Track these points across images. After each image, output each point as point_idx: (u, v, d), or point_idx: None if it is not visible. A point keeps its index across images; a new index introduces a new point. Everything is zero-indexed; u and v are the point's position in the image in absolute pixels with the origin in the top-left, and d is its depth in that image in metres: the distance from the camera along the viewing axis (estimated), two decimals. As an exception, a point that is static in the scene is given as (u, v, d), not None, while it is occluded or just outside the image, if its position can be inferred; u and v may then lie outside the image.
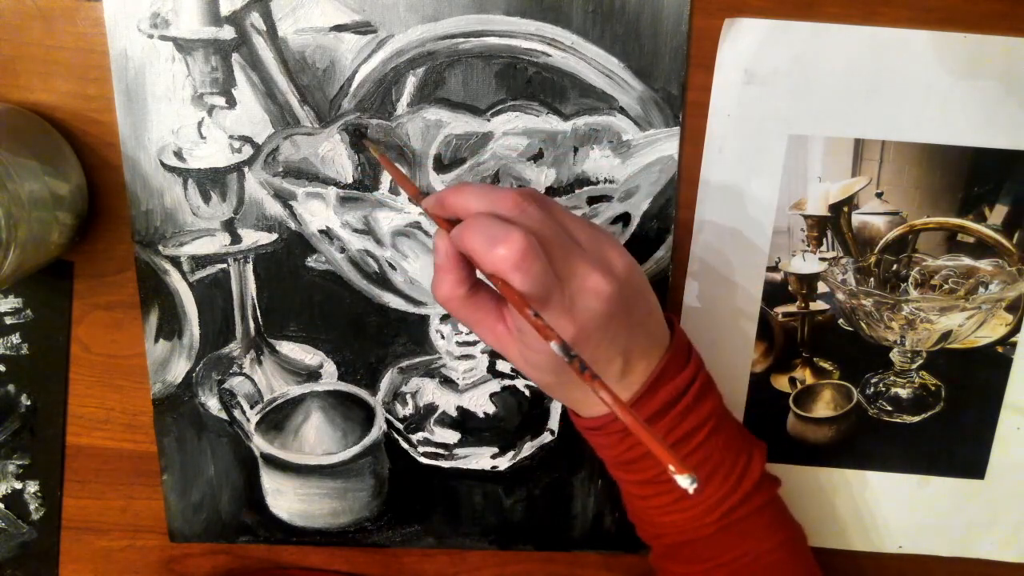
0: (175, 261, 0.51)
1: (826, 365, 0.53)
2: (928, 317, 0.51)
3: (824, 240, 0.50)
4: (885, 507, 0.56)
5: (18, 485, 0.55)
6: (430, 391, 0.54)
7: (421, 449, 0.55)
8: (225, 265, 0.51)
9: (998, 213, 0.49)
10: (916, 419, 0.54)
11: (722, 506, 0.43)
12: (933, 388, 0.53)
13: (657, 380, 0.41)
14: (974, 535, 0.56)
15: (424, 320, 0.52)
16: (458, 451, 0.54)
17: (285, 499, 0.55)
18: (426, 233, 0.49)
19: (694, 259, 0.51)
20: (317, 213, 0.49)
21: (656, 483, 0.43)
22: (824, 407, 0.54)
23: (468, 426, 0.54)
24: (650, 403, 0.41)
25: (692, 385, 0.42)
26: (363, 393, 0.54)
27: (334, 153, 0.48)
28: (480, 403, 0.54)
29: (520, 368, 0.42)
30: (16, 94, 0.48)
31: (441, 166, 0.48)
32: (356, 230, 0.49)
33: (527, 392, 0.54)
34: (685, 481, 0.29)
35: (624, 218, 0.49)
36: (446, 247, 0.39)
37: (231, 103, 0.48)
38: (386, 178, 0.49)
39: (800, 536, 0.48)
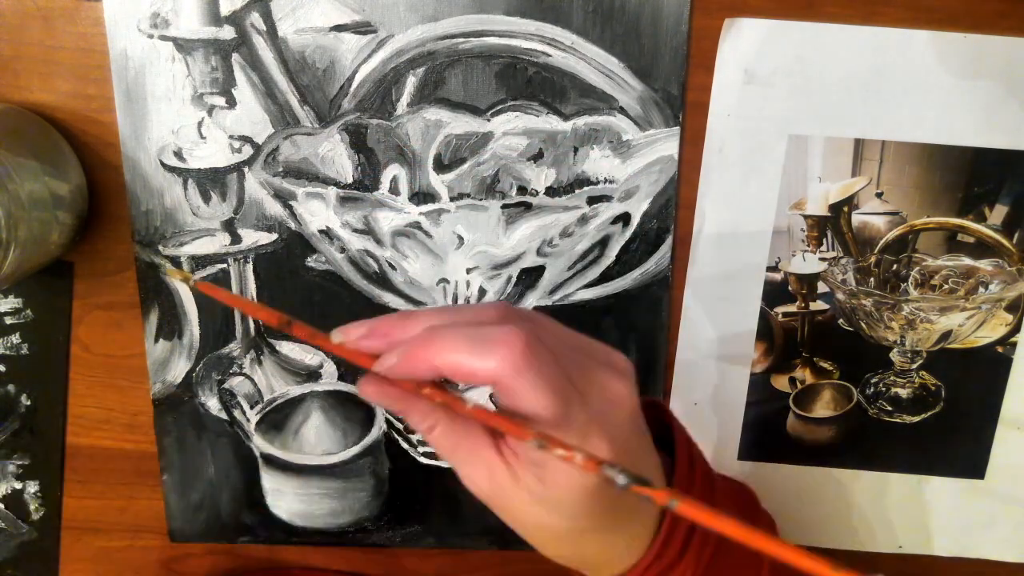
0: (175, 261, 0.51)
1: (826, 365, 0.53)
2: (928, 317, 0.51)
3: (824, 240, 0.50)
4: (885, 507, 0.56)
5: (18, 485, 0.55)
6: (430, 391, 0.54)
7: (421, 449, 0.55)
8: (225, 265, 0.51)
9: (998, 213, 0.49)
10: (916, 419, 0.54)
11: None
12: (933, 388, 0.53)
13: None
14: (974, 535, 0.56)
15: (424, 320, 0.52)
16: (458, 451, 0.54)
17: (285, 499, 0.55)
18: (426, 233, 0.49)
19: (694, 259, 0.51)
20: (317, 213, 0.49)
21: None
22: (824, 407, 0.54)
23: (468, 426, 0.54)
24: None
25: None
26: (363, 393, 0.54)
27: (334, 153, 0.48)
28: (480, 403, 0.54)
29: (525, 525, 0.33)
30: (16, 94, 0.48)
31: (441, 166, 0.48)
32: (356, 230, 0.49)
33: (527, 392, 0.54)
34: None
35: (624, 218, 0.49)
36: (391, 388, 0.31)
37: (231, 103, 0.48)
38: (386, 178, 0.49)
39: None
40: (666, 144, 0.48)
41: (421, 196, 0.49)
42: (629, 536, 0.34)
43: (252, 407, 0.54)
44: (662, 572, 0.35)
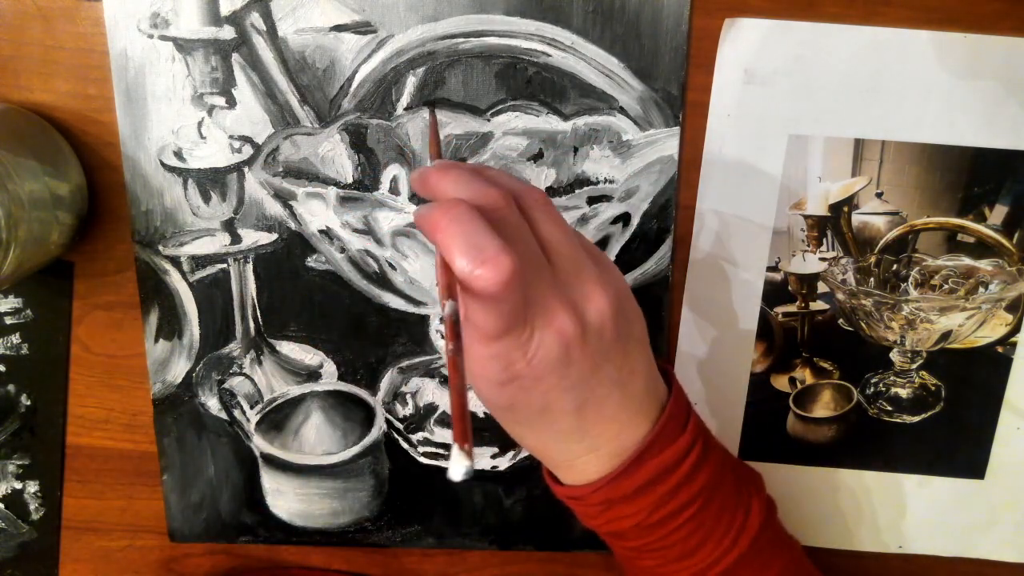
0: (175, 261, 0.51)
1: (826, 365, 0.53)
2: (928, 317, 0.51)
3: (824, 240, 0.50)
4: (885, 507, 0.56)
5: (18, 485, 0.55)
6: (430, 391, 0.54)
7: (421, 449, 0.55)
8: (225, 265, 0.51)
9: (998, 213, 0.49)
10: (916, 419, 0.54)
11: (717, 566, 0.40)
12: (933, 388, 0.53)
13: (644, 452, 0.37)
14: (974, 535, 0.56)
15: (424, 320, 0.52)
16: (458, 451, 0.54)
17: (285, 499, 0.55)
18: (426, 233, 0.49)
19: (694, 259, 0.51)
20: (317, 213, 0.49)
21: (641, 550, 0.40)
22: (824, 407, 0.54)
23: (468, 426, 0.54)
24: (634, 477, 0.37)
25: (686, 458, 0.38)
26: (363, 393, 0.54)
27: (334, 153, 0.48)
28: (480, 403, 0.54)
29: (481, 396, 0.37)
30: (16, 94, 0.48)
31: (441, 166, 0.48)
32: (356, 230, 0.49)
33: (527, 392, 0.54)
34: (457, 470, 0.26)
35: (624, 218, 0.49)
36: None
37: (231, 103, 0.48)
38: (386, 178, 0.49)
39: (798, 555, 0.45)
40: (666, 144, 0.48)
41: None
42: (560, 442, 0.37)
43: (252, 407, 0.54)
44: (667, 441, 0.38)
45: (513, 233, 0.33)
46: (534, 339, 0.34)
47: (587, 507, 0.40)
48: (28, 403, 0.53)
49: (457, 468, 0.25)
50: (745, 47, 0.47)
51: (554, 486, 0.41)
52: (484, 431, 0.54)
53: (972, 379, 0.53)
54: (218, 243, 0.50)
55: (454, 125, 0.48)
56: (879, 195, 0.49)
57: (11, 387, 0.53)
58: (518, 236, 0.34)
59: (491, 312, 0.32)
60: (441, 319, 0.52)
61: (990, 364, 0.52)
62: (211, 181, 0.49)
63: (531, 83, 0.47)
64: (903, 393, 0.53)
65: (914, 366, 0.53)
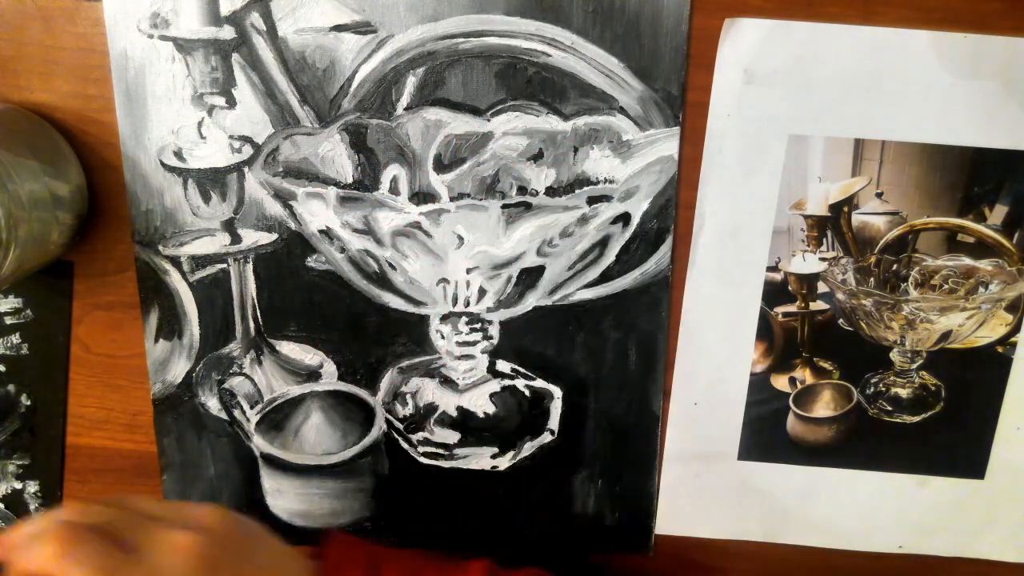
0: (175, 261, 0.51)
1: (826, 365, 0.53)
2: (928, 317, 0.51)
3: (824, 240, 0.50)
4: (885, 507, 0.56)
5: (18, 485, 0.55)
6: (430, 391, 0.54)
7: (421, 449, 0.55)
8: (225, 265, 0.51)
9: (998, 213, 0.49)
10: (916, 419, 0.54)
11: None
12: (933, 388, 0.53)
13: None
14: (974, 535, 0.56)
15: (424, 320, 0.52)
16: (458, 451, 0.54)
17: (285, 499, 0.55)
18: (426, 233, 0.49)
19: (694, 259, 0.51)
20: (317, 213, 0.49)
21: None
22: (824, 407, 0.54)
23: (468, 426, 0.54)
24: None
25: None
26: (363, 393, 0.54)
27: (334, 153, 0.48)
28: (480, 403, 0.54)
29: None
30: (16, 94, 0.48)
31: (441, 166, 0.48)
32: (356, 230, 0.49)
33: (527, 392, 0.54)
34: None
35: (624, 218, 0.49)
36: None
37: (231, 103, 0.48)
38: (386, 178, 0.49)
39: None
40: (666, 144, 0.48)
41: (421, 196, 0.49)
42: None
43: (252, 407, 0.54)
44: None
45: (88, 518, 0.35)
46: (163, 567, 0.35)
47: None
48: (28, 403, 0.53)
49: None
50: (745, 47, 0.47)
51: None
52: (484, 431, 0.54)
53: (972, 379, 0.53)
54: (218, 243, 0.50)
55: (454, 125, 0.48)
56: (879, 195, 0.49)
57: (11, 387, 0.53)
58: (95, 515, 0.35)
59: (83, 567, 0.33)
60: (443, 318, 0.51)
61: (990, 364, 0.52)
62: (211, 181, 0.49)
63: (531, 83, 0.47)
64: (903, 393, 0.53)
65: (914, 366, 0.53)
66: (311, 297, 0.51)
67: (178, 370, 0.53)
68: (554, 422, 0.54)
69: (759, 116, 0.48)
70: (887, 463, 0.55)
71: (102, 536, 0.34)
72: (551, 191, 0.49)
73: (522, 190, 0.49)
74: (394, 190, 0.49)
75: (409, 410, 0.54)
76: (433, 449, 0.54)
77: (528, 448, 0.54)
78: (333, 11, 0.46)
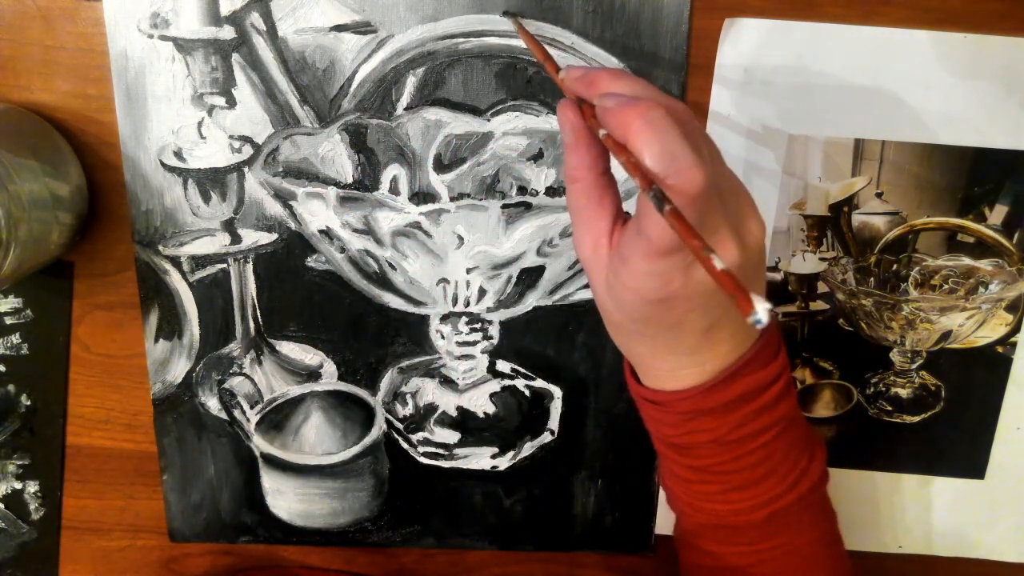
0: (175, 261, 0.51)
1: (826, 365, 0.53)
2: (928, 317, 0.51)
3: (824, 240, 0.50)
4: (885, 507, 0.56)
5: (18, 485, 0.55)
6: (430, 391, 0.54)
7: (421, 449, 0.55)
8: (225, 265, 0.51)
9: (998, 213, 0.49)
10: (916, 419, 0.54)
11: (773, 504, 0.40)
12: (933, 388, 0.53)
13: (740, 370, 0.37)
14: (974, 535, 0.56)
15: (424, 320, 0.52)
16: (458, 451, 0.54)
17: (285, 499, 0.55)
18: (426, 233, 0.49)
19: (694, 259, 0.51)
20: (317, 213, 0.49)
21: (706, 471, 0.40)
22: (824, 407, 0.54)
23: (468, 426, 0.54)
24: (726, 391, 0.37)
25: (774, 384, 0.38)
26: (363, 393, 0.54)
27: (334, 153, 0.48)
28: (480, 403, 0.54)
29: (598, 300, 0.38)
30: (16, 94, 0.48)
31: (441, 166, 0.48)
32: (356, 230, 0.49)
33: (527, 392, 0.54)
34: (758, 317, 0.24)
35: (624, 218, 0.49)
36: (579, 124, 0.35)
37: (231, 103, 0.48)
38: (386, 178, 0.49)
39: (836, 528, 0.45)
40: (666, 144, 0.48)
41: (421, 196, 0.49)
42: (676, 354, 0.37)
43: (252, 407, 0.54)
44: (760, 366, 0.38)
45: (701, 147, 0.32)
46: (698, 262, 0.32)
47: (667, 414, 0.39)
48: (28, 403, 0.53)
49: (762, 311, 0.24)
50: (745, 47, 0.47)
51: (635, 386, 0.41)
52: (484, 431, 0.54)
53: (972, 379, 0.53)
54: (218, 243, 0.50)
55: (454, 125, 0.48)
56: (879, 195, 0.49)
57: (11, 387, 0.53)
58: (704, 152, 0.32)
59: (666, 225, 0.30)
60: (443, 318, 0.51)
61: (990, 364, 0.52)
62: (211, 181, 0.49)
63: (531, 83, 0.47)
64: (903, 393, 0.53)
65: (914, 366, 0.53)
66: (311, 297, 0.51)
67: (178, 370, 0.53)
68: (554, 422, 0.54)
69: (759, 116, 0.48)
70: (887, 463, 0.55)
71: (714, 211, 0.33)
72: (551, 191, 0.49)
73: (522, 190, 0.49)
74: (394, 190, 0.49)
75: (409, 410, 0.54)
76: (433, 449, 0.54)
77: (528, 448, 0.54)
78: (333, 11, 0.46)
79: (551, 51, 0.47)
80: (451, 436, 0.54)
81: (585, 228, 0.36)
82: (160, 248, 0.50)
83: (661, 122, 0.31)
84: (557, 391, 0.53)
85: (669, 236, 0.31)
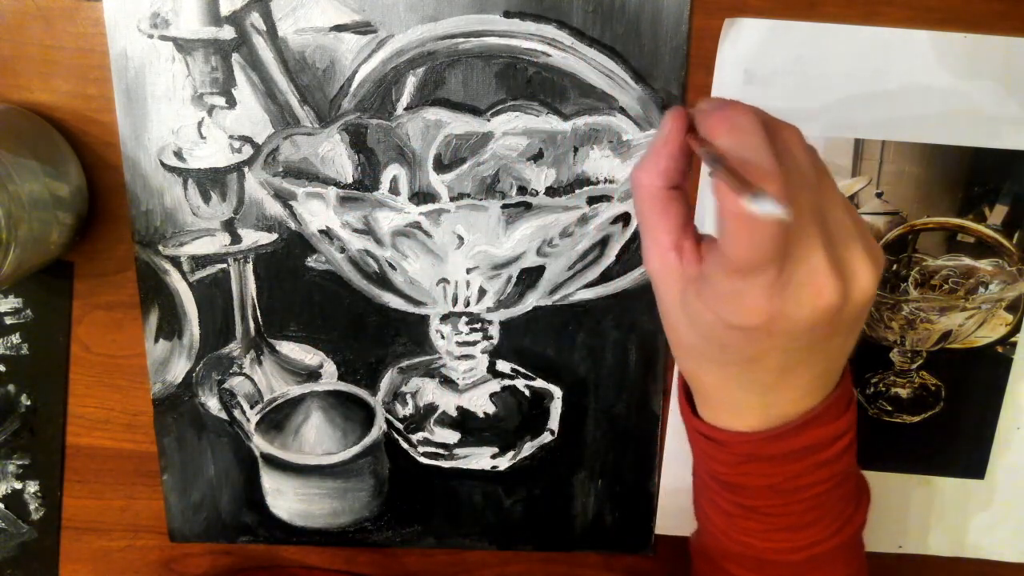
0: (175, 261, 0.51)
1: (826, 365, 0.53)
2: (928, 317, 0.51)
3: (824, 240, 0.50)
4: (885, 507, 0.56)
5: (18, 485, 0.55)
6: (430, 391, 0.54)
7: (421, 449, 0.55)
8: (225, 265, 0.51)
9: (998, 213, 0.49)
10: (916, 419, 0.54)
11: (814, 548, 0.39)
12: (933, 388, 0.53)
13: (810, 422, 0.36)
14: (974, 535, 0.56)
15: (424, 320, 0.52)
16: (458, 451, 0.54)
17: (285, 499, 0.55)
18: (426, 233, 0.49)
19: (694, 259, 0.51)
20: (317, 213, 0.49)
21: (754, 511, 0.39)
22: (824, 407, 0.54)
23: (468, 426, 0.54)
24: (791, 441, 0.36)
25: (841, 439, 0.37)
26: (363, 393, 0.54)
27: (334, 153, 0.48)
28: (480, 403, 0.54)
29: (667, 318, 0.36)
30: (16, 94, 0.48)
31: (441, 166, 0.48)
32: (356, 230, 0.49)
33: (527, 392, 0.54)
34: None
35: (624, 218, 0.49)
36: (677, 132, 0.34)
37: (231, 103, 0.48)
38: (386, 178, 0.49)
39: (864, 564, 0.44)
40: (666, 144, 0.48)
41: (421, 196, 0.49)
42: (745, 390, 0.36)
43: (252, 407, 0.54)
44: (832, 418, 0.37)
45: (794, 169, 0.32)
46: (788, 288, 0.31)
47: (722, 452, 0.38)
48: (28, 403, 0.53)
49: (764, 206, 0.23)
50: (745, 47, 0.47)
51: (692, 418, 0.39)
52: (484, 431, 0.54)
53: (972, 379, 0.53)
54: (218, 243, 0.50)
55: (454, 125, 0.48)
56: (879, 195, 0.49)
57: (11, 387, 0.53)
58: (798, 175, 0.32)
59: (745, 238, 0.29)
60: (443, 318, 0.51)
61: (990, 364, 0.52)
62: (211, 181, 0.49)
63: (531, 83, 0.47)
64: (903, 393, 0.53)
65: (914, 366, 0.53)
66: (311, 297, 0.51)
67: (178, 370, 0.53)
68: (554, 422, 0.54)
69: (759, 116, 0.48)
70: (887, 463, 0.55)
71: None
72: (551, 191, 0.49)
73: (522, 190, 0.49)
74: (394, 190, 0.49)
75: (409, 410, 0.54)
76: (433, 449, 0.54)
77: (528, 448, 0.54)
78: (333, 11, 0.46)
79: (551, 51, 0.47)
80: (451, 436, 0.54)
81: (650, 239, 0.35)
82: (160, 248, 0.50)
83: (748, 126, 0.31)
84: (557, 391, 0.53)
85: (747, 252, 0.30)
